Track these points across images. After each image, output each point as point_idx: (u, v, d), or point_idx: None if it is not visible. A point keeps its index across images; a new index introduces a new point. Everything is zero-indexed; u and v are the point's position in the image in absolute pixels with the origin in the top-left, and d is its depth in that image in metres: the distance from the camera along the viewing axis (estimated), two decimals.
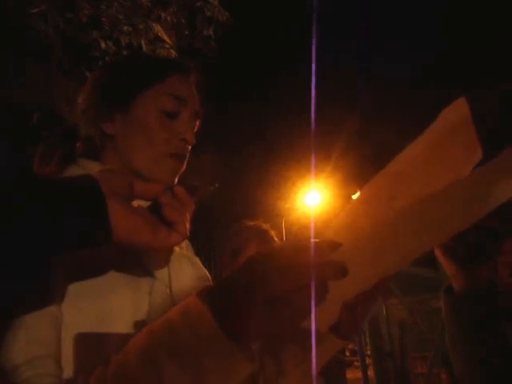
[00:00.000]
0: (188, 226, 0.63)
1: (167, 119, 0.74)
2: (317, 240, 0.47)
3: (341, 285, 0.46)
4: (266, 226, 1.74)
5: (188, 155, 0.77)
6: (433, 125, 0.55)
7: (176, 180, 0.76)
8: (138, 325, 0.62)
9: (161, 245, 0.56)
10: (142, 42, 3.99)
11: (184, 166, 0.77)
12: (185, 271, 0.76)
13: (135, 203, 0.66)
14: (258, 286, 0.44)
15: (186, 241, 0.84)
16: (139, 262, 0.68)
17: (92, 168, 0.70)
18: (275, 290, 0.44)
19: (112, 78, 0.78)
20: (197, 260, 0.81)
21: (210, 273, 0.84)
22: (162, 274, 0.71)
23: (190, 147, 0.77)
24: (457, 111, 0.55)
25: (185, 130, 0.75)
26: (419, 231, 0.50)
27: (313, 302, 0.44)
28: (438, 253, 1.21)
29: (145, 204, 0.61)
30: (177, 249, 0.76)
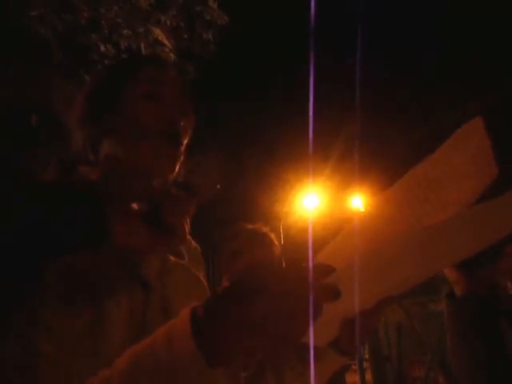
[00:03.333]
0: (187, 229, 0.63)
1: (149, 102, 0.75)
2: (306, 265, 0.47)
3: (339, 303, 0.46)
4: (264, 229, 1.74)
5: (180, 148, 0.77)
6: (447, 145, 0.55)
7: (176, 168, 0.75)
8: (132, 332, 0.61)
9: (159, 248, 0.56)
10: (142, 46, 4.00)
11: (181, 154, 0.76)
12: (180, 282, 0.75)
13: (134, 206, 0.67)
14: (243, 310, 0.44)
15: (195, 245, 0.84)
16: (135, 270, 0.68)
17: (89, 173, 0.71)
18: (263, 315, 0.43)
19: (98, 82, 0.81)
20: (195, 270, 0.80)
21: (208, 276, 0.83)
22: (157, 283, 0.70)
23: (182, 125, 0.76)
24: (473, 133, 0.55)
25: (170, 111, 0.75)
26: (423, 258, 0.51)
27: (300, 326, 0.44)
28: None
29: (144, 206, 0.61)
30: (172, 258, 0.76)
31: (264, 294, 0.44)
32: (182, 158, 0.76)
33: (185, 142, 0.77)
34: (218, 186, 0.74)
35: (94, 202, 0.52)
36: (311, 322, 0.44)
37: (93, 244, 0.52)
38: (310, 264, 0.46)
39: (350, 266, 0.47)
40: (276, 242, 1.74)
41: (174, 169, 0.75)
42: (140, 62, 0.81)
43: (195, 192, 0.71)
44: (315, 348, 0.53)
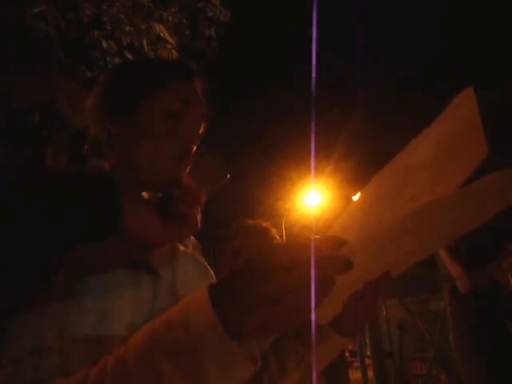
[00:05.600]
0: (199, 218, 0.63)
1: (171, 121, 0.74)
2: (320, 236, 0.48)
3: (343, 279, 0.46)
4: (266, 225, 1.74)
5: (191, 157, 0.77)
6: (441, 118, 0.55)
7: (183, 175, 0.75)
8: (140, 324, 0.62)
9: (171, 237, 0.56)
10: (144, 42, 3.99)
11: (187, 168, 0.76)
12: (189, 270, 0.76)
13: (145, 194, 0.67)
14: (260, 284, 0.44)
15: (194, 240, 0.84)
16: (143, 260, 0.68)
17: (100, 167, 0.71)
18: (278, 287, 0.44)
19: (119, 82, 0.79)
20: (202, 259, 0.82)
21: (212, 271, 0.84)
22: (165, 273, 0.71)
23: (194, 149, 0.76)
24: (465, 105, 0.54)
25: (189, 132, 0.75)
26: (424, 235, 0.51)
27: (313, 299, 0.44)
28: (443, 254, 1.21)
29: (155, 196, 0.61)
30: (181, 247, 0.76)
31: (280, 267, 0.45)
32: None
33: (192, 156, 0.77)
34: (228, 176, 0.74)
35: (108, 189, 0.52)
36: (325, 294, 0.45)
37: (105, 231, 0.52)
38: (313, 264, 0.46)
39: (356, 241, 0.48)
40: (278, 237, 1.75)
41: (181, 180, 0.75)
42: (174, 75, 0.78)
43: (205, 182, 0.71)
44: (318, 328, 0.53)
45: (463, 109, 0.54)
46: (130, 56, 3.91)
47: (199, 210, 0.62)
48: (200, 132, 0.78)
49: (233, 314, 0.45)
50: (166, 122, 0.74)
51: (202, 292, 0.47)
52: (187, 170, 0.76)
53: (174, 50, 4.14)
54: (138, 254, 0.67)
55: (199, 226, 0.63)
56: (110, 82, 0.80)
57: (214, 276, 0.82)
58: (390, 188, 0.55)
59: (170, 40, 4.12)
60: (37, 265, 0.53)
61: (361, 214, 0.54)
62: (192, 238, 0.84)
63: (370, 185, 0.55)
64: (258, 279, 0.45)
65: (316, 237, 0.47)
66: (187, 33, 4.38)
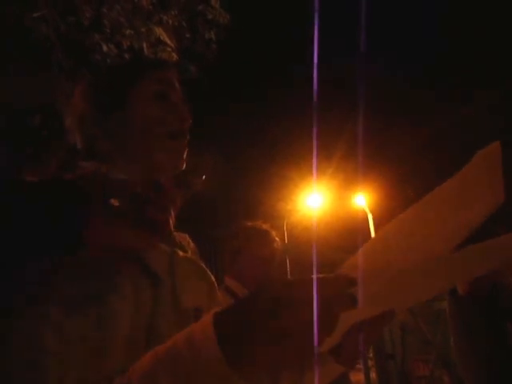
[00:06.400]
0: (172, 222, 0.63)
1: (160, 101, 0.77)
2: (332, 275, 0.49)
3: (347, 312, 0.47)
4: (266, 227, 1.74)
5: (187, 138, 0.79)
6: (466, 169, 0.57)
7: (183, 165, 0.78)
8: (140, 328, 0.62)
9: (144, 245, 0.56)
10: (144, 45, 4.00)
11: (186, 148, 0.78)
12: (188, 275, 0.76)
13: (114, 202, 0.67)
14: (264, 322, 0.45)
15: (192, 245, 0.84)
16: (143, 264, 0.68)
17: (91, 168, 0.71)
18: (282, 326, 0.44)
19: (103, 80, 0.82)
20: (201, 263, 0.82)
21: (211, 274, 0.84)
22: (165, 276, 0.71)
23: (188, 125, 0.79)
24: (490, 159, 0.57)
25: (180, 109, 0.78)
26: (430, 283, 0.55)
27: (319, 337, 0.45)
28: None
29: (127, 203, 0.61)
30: (180, 252, 0.76)
31: (284, 306, 0.45)
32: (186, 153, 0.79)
33: (187, 134, 0.80)
34: (204, 177, 0.75)
35: (75, 203, 0.52)
36: (329, 332, 0.46)
37: (69, 247, 0.52)
38: (315, 265, 0.46)
39: (362, 280, 0.49)
40: (278, 239, 1.74)
41: (181, 164, 0.78)
42: (149, 64, 0.83)
43: (188, 184, 0.72)
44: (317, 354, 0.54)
45: (487, 160, 0.57)
46: None
47: (172, 214, 0.62)
48: (189, 117, 0.80)
49: (237, 348, 0.46)
50: (155, 103, 0.77)
51: (207, 322, 0.48)
52: (185, 152, 0.78)
53: (173, 53, 4.15)
54: (136, 259, 0.67)
55: (171, 230, 0.63)
56: (94, 84, 0.82)
57: (213, 279, 0.82)
58: (404, 232, 0.57)
59: (169, 43, 4.13)
60: (37, 265, 0.53)
61: (373, 254, 0.55)
62: (190, 242, 0.84)
63: (387, 226, 0.56)
64: (263, 317, 0.45)
65: (321, 276, 0.48)
66: (187, 35, 4.39)
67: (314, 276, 0.47)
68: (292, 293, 0.46)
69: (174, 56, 4.11)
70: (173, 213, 0.64)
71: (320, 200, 10.95)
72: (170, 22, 4.20)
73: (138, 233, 0.56)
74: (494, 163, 0.56)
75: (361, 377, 6.01)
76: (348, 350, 0.56)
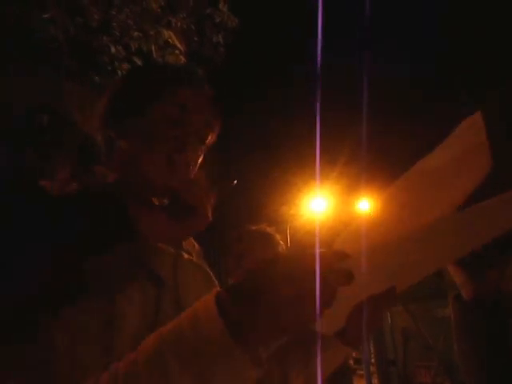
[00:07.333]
0: (210, 208, 0.64)
1: (174, 128, 0.76)
2: (324, 250, 0.50)
3: (348, 291, 0.48)
4: (270, 230, 1.74)
5: (185, 167, 0.76)
6: (448, 140, 0.57)
7: (190, 174, 0.77)
8: (146, 325, 0.63)
9: (185, 232, 0.57)
10: (152, 48, 4.02)
11: (180, 177, 0.75)
12: (192, 277, 0.77)
13: (155, 201, 0.68)
14: (265, 292, 0.46)
15: (197, 247, 0.85)
16: (147, 266, 0.69)
17: (105, 174, 0.72)
18: (282, 296, 0.46)
19: (125, 88, 0.82)
20: (205, 266, 0.82)
21: (215, 278, 0.84)
22: (169, 278, 0.72)
23: (188, 157, 0.77)
24: (472, 129, 0.56)
25: (191, 137, 0.77)
26: (429, 252, 0.53)
27: (318, 308, 0.46)
28: None
29: (165, 200, 0.62)
30: (185, 255, 0.77)
31: (284, 277, 0.47)
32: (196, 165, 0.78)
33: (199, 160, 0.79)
34: (236, 182, 0.76)
35: (117, 204, 0.53)
36: (327, 304, 0.47)
37: (122, 243, 0.54)
38: (317, 268, 0.47)
39: (360, 255, 0.50)
40: (282, 243, 1.75)
41: (173, 186, 0.76)
42: (179, 83, 0.80)
43: (214, 181, 0.72)
44: (322, 337, 0.54)
45: (469, 136, 0.56)
46: (138, 61, 3.94)
47: (210, 201, 0.63)
48: (205, 140, 0.79)
49: (239, 321, 0.47)
50: (167, 129, 0.75)
51: (209, 299, 0.49)
52: (181, 179, 0.76)
53: (181, 56, 4.16)
54: (141, 260, 0.68)
55: (210, 217, 0.65)
56: (117, 89, 0.82)
57: (215, 281, 0.83)
58: (397, 203, 0.56)
59: (178, 46, 4.14)
60: (37, 265, 0.53)
61: (367, 227, 0.55)
62: (196, 244, 0.85)
63: (378, 200, 0.56)
64: (263, 287, 0.47)
65: (319, 250, 0.49)
66: (195, 39, 4.40)
67: (308, 251, 0.49)
68: (288, 264, 0.48)
69: (182, 59, 4.12)
70: (209, 198, 0.65)
71: (323, 205, 10.92)
72: (179, 24, 4.21)
73: (181, 222, 0.58)
74: (478, 130, 0.55)
75: (363, 383, 5.99)
76: (352, 329, 0.57)
